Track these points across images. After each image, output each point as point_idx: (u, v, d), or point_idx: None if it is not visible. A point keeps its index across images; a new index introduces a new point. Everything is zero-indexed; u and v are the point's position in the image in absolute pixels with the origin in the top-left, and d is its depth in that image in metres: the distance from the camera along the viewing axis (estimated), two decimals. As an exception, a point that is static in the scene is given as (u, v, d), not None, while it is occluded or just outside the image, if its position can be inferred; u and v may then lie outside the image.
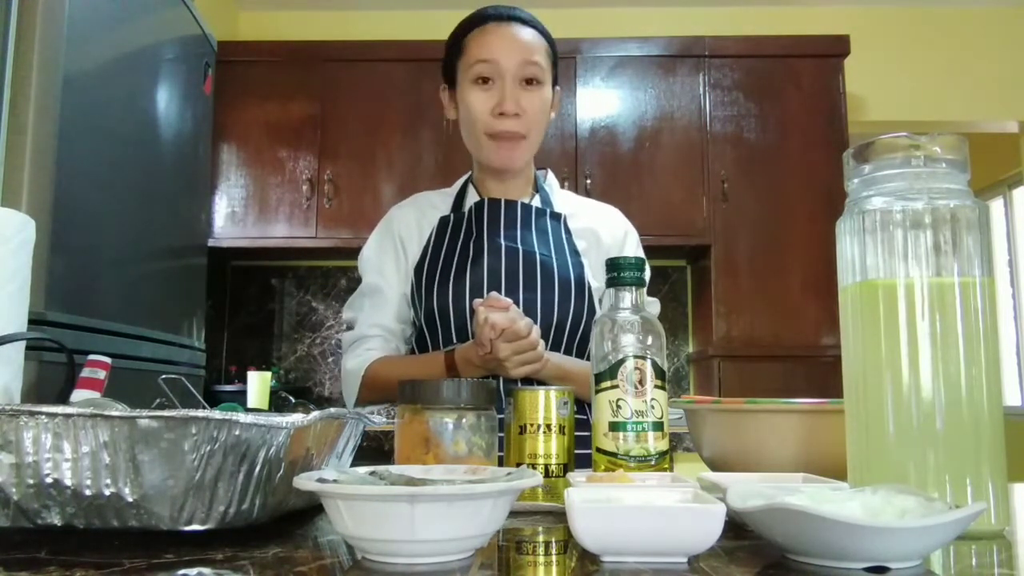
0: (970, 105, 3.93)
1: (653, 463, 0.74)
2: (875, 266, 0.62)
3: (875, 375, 0.61)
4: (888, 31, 3.94)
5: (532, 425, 0.78)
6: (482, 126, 1.29)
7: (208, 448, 0.55)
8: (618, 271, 0.79)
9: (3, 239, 0.80)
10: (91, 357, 0.81)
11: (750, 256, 3.33)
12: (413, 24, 3.85)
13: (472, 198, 1.39)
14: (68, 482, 0.54)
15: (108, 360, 0.81)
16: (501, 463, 0.80)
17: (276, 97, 3.47)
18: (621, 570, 0.50)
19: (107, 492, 0.54)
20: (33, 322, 1.31)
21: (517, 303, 1.17)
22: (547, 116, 1.34)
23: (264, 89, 3.47)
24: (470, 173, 1.42)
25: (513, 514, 0.69)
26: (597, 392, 0.76)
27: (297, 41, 3.61)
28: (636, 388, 0.74)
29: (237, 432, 0.56)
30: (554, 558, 0.57)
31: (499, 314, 1.12)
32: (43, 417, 0.54)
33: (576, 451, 0.82)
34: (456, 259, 1.31)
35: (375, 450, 2.09)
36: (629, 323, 0.76)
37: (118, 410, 0.55)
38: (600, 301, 1.34)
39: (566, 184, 3.26)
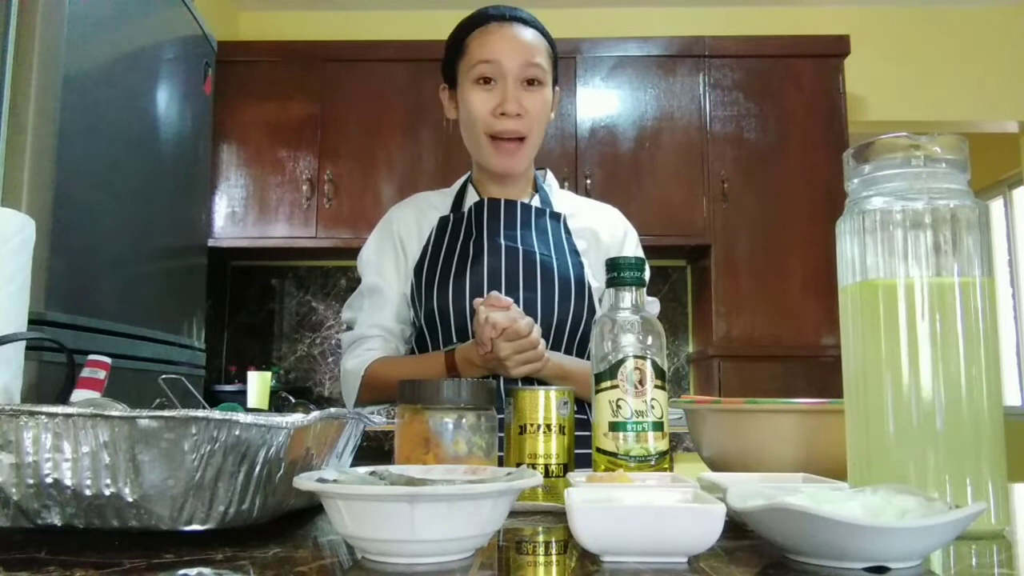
0: (970, 105, 3.93)
1: (653, 463, 0.74)
2: (875, 266, 0.62)
3: (875, 375, 0.61)
4: (888, 31, 3.94)
5: (532, 425, 0.78)
6: (483, 126, 1.29)
7: (208, 448, 0.55)
8: (618, 271, 0.79)
9: (3, 239, 0.80)
10: (91, 357, 0.81)
11: (750, 256, 3.33)
12: (413, 24, 3.85)
13: (472, 198, 1.39)
14: (68, 482, 0.54)
15: (108, 360, 0.81)
16: (501, 463, 0.80)
17: (276, 97, 3.47)
18: (621, 570, 0.50)
19: (107, 492, 0.54)
20: (33, 322, 1.31)
21: (517, 303, 1.17)
22: (548, 117, 1.34)
23: (264, 89, 3.47)
24: (469, 173, 1.42)
25: (513, 514, 0.69)
26: (597, 392, 0.76)
27: (297, 41, 3.61)
28: (636, 388, 0.74)
29: (237, 432, 0.56)
30: (554, 558, 0.57)
31: (500, 313, 1.12)
32: (43, 417, 0.54)
33: (576, 451, 0.82)
34: (456, 259, 1.31)
35: (375, 450, 2.09)
36: (629, 323, 0.76)
37: (118, 410, 0.55)
38: (600, 301, 1.34)
39: (566, 184, 3.27)
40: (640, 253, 1.40)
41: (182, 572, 0.49)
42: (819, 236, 3.25)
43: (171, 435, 0.54)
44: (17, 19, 1.54)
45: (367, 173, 3.42)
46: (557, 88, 1.37)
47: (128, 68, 1.89)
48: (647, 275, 0.86)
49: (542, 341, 1.16)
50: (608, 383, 0.75)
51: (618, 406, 0.74)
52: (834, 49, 3.42)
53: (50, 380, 1.43)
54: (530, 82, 1.29)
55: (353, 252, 1.56)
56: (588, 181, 3.35)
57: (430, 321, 1.29)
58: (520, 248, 1.30)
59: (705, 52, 3.44)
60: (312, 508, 0.70)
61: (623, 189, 3.33)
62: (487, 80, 1.28)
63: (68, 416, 0.54)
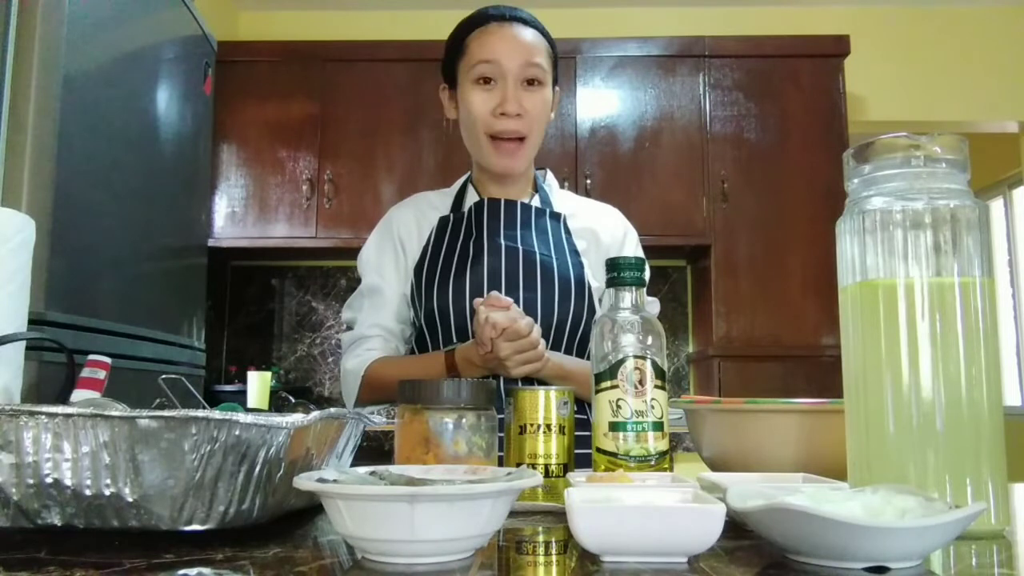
0: (970, 105, 3.93)
1: (653, 463, 0.74)
2: (875, 266, 0.62)
3: (875, 375, 0.61)
4: (888, 31, 3.94)
5: (532, 425, 0.78)
6: (483, 126, 1.29)
7: (208, 448, 0.55)
8: (618, 271, 0.79)
9: (3, 239, 0.80)
10: (91, 357, 0.81)
11: (750, 256, 3.33)
12: (413, 24, 3.85)
13: (472, 198, 1.39)
14: (68, 482, 0.54)
15: (108, 360, 0.81)
16: (501, 463, 0.80)
17: (276, 97, 3.47)
18: (621, 570, 0.50)
19: (107, 492, 0.54)
20: (33, 322, 1.31)
21: (517, 303, 1.17)
22: (548, 117, 1.34)
23: (264, 89, 3.47)
24: (469, 173, 1.42)
25: (513, 514, 0.69)
26: (597, 392, 0.76)
27: (297, 41, 3.61)
28: (636, 388, 0.74)
29: (237, 432, 0.56)
30: (554, 558, 0.57)
31: (500, 313, 1.12)
32: (43, 417, 0.54)
33: (576, 451, 0.82)
34: (456, 259, 1.31)
35: (375, 450, 2.09)
36: (629, 323, 0.76)
37: (118, 410, 0.55)
38: (600, 301, 1.34)
39: (566, 184, 3.27)
40: (640, 253, 1.40)
41: (182, 572, 0.49)
42: (819, 236, 3.25)
43: (171, 435, 0.54)
44: (17, 19, 1.54)
45: (367, 173, 3.42)
46: (557, 88, 1.37)
47: (128, 68, 1.89)
48: (647, 275, 0.86)
49: (542, 341, 1.16)
50: (608, 383, 0.75)
51: (618, 406, 0.74)
52: (834, 49, 3.42)
53: (50, 380, 1.43)
54: (530, 82, 1.29)
55: (353, 252, 1.56)
56: (588, 181, 3.35)
57: (430, 321, 1.29)
58: (520, 248, 1.30)
59: (705, 52, 3.44)
60: (312, 508, 0.70)
61: (623, 189, 3.33)
62: (487, 80, 1.28)
63: (68, 416, 0.54)
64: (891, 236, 0.61)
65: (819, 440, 0.77)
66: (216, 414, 0.55)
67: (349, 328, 1.38)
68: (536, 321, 1.18)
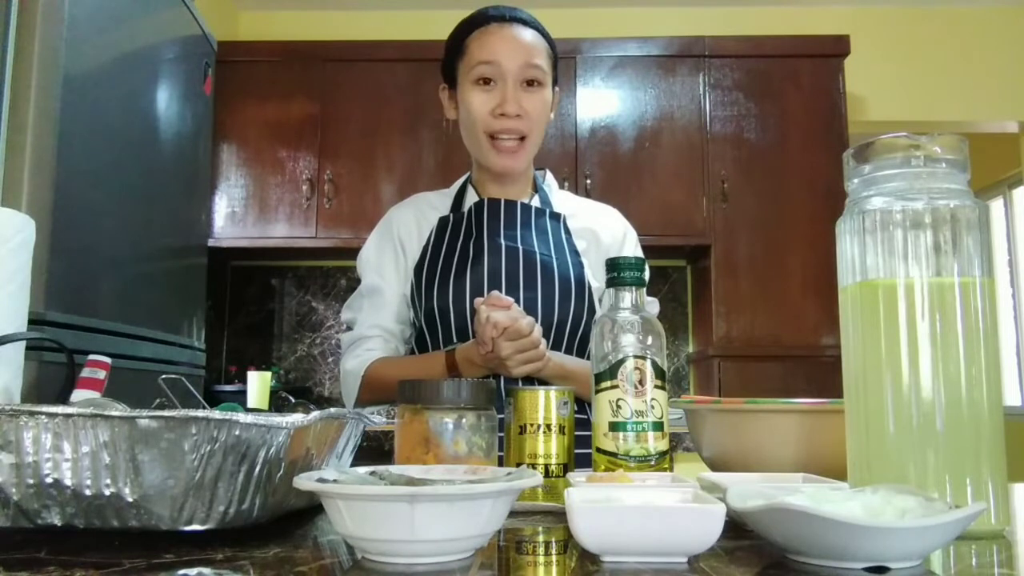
0: (970, 105, 3.93)
1: (653, 463, 0.74)
2: (875, 266, 0.62)
3: (875, 375, 0.61)
4: (888, 31, 3.94)
5: (532, 425, 0.78)
6: (482, 125, 1.29)
7: (208, 448, 0.55)
8: (618, 271, 0.79)
9: (3, 239, 0.80)
10: (91, 357, 0.81)
11: (750, 256, 3.33)
12: (413, 24, 3.85)
13: (471, 198, 1.39)
14: (68, 482, 0.54)
15: (108, 360, 0.81)
16: (501, 463, 0.80)
17: (276, 97, 3.47)
18: (621, 570, 0.50)
19: (107, 492, 0.54)
20: (33, 322, 1.31)
21: (517, 303, 1.17)
22: (547, 117, 1.34)
23: (264, 89, 3.47)
24: (469, 174, 1.42)
25: (513, 514, 0.69)
26: (597, 392, 0.76)
27: (297, 41, 3.61)
28: (636, 388, 0.74)
29: (237, 432, 0.56)
30: (554, 558, 0.57)
31: (501, 312, 1.12)
32: (43, 417, 0.54)
33: (576, 451, 0.82)
34: (456, 259, 1.31)
35: (375, 450, 2.09)
36: (629, 323, 0.76)
37: (118, 410, 0.55)
38: (600, 301, 1.34)
39: (566, 184, 3.27)
40: (640, 253, 1.40)
41: (182, 572, 0.49)
42: (819, 236, 3.25)
43: (171, 435, 0.54)
44: (17, 19, 1.54)
45: (367, 173, 3.42)
46: (557, 88, 1.37)
47: (128, 68, 1.89)
48: (647, 275, 0.86)
49: (543, 341, 1.16)
50: (608, 383, 0.75)
51: (618, 406, 0.74)
52: (834, 49, 3.42)
53: (50, 380, 1.43)
54: (530, 83, 1.29)
55: (353, 252, 1.56)
56: (588, 181, 3.35)
57: (430, 321, 1.29)
58: (520, 248, 1.30)
59: (705, 52, 3.44)
60: (312, 508, 0.70)
61: (623, 189, 3.33)
62: (487, 81, 1.29)
63: (68, 416, 0.54)
64: (891, 236, 0.61)
65: (819, 440, 0.77)
66: (216, 414, 0.55)
67: (349, 328, 1.38)
68: (536, 321, 1.18)
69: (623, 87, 3.44)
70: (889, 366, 0.60)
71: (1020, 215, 4.73)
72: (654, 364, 0.75)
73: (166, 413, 0.54)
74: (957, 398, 0.58)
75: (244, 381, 2.70)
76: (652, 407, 0.74)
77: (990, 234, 0.62)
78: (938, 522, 0.47)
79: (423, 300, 1.30)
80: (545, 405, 0.78)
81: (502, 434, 0.78)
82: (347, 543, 0.56)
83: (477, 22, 1.32)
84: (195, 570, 0.49)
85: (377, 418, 0.85)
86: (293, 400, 0.95)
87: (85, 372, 0.80)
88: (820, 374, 3.13)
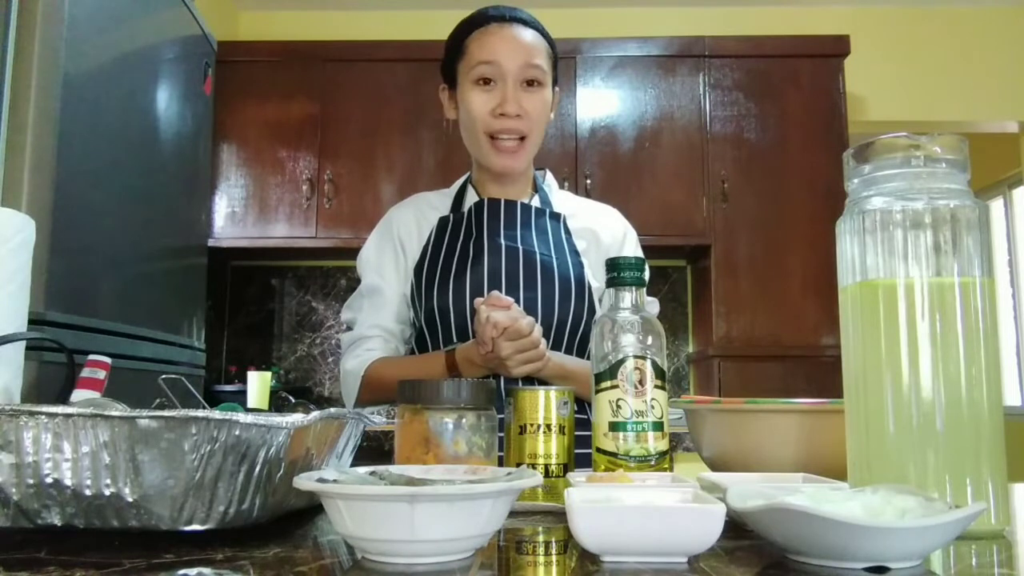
0: (970, 105, 3.93)
1: (653, 463, 0.74)
2: (875, 266, 0.62)
3: (875, 375, 0.61)
4: (888, 31, 3.94)
5: (532, 425, 0.78)
6: (482, 125, 1.29)
7: (208, 448, 0.55)
8: (618, 271, 0.79)
9: (3, 239, 0.80)
10: (91, 357, 0.81)
11: (750, 256, 3.33)
12: (413, 24, 3.85)
13: (471, 198, 1.39)
14: (68, 482, 0.54)
15: (108, 360, 0.81)
16: (501, 463, 0.80)
17: (276, 97, 3.47)
18: (621, 570, 0.50)
19: (107, 492, 0.54)
20: (33, 322, 1.31)
21: (517, 303, 1.17)
22: (547, 117, 1.34)
23: (264, 89, 3.47)
24: (469, 174, 1.42)
25: (513, 514, 0.69)
26: (597, 392, 0.76)
27: (297, 41, 3.61)
28: (636, 388, 0.74)
29: (237, 432, 0.56)
30: (554, 558, 0.57)
31: (501, 312, 1.12)
32: (43, 417, 0.54)
33: (576, 451, 0.82)
34: (456, 259, 1.31)
35: (375, 450, 2.09)
36: (629, 323, 0.76)
37: (118, 410, 0.55)
38: (600, 301, 1.34)
39: (566, 184, 3.27)
40: (640, 253, 1.40)
41: (182, 572, 0.49)
42: (819, 236, 3.25)
43: (171, 435, 0.54)
44: (17, 19, 1.54)
45: (367, 173, 3.42)
46: (557, 88, 1.37)
47: (128, 68, 1.89)
48: (647, 275, 0.86)
49: (543, 340, 1.16)
50: (608, 383, 0.75)
51: (618, 406, 0.74)
52: (834, 49, 3.42)
53: (50, 380, 1.43)
54: (530, 83, 1.29)
55: (353, 252, 1.56)
56: (588, 181, 3.35)
57: (430, 321, 1.29)
58: (520, 248, 1.30)
59: (705, 52, 3.44)
60: (312, 508, 0.70)
61: (623, 189, 3.33)
62: (487, 81, 1.29)
63: (68, 416, 0.54)
64: (891, 236, 0.61)
65: (819, 440, 0.77)
66: (216, 414, 0.55)
67: (349, 328, 1.38)
68: (536, 321, 1.18)
69: (623, 87, 3.44)
70: (889, 366, 0.60)
71: (1020, 215, 4.73)
72: (654, 364, 0.75)
73: (166, 413, 0.54)
74: (957, 398, 0.58)
75: (244, 381, 2.70)
76: (652, 407, 0.74)
77: (990, 234, 0.62)
78: (938, 522, 0.47)
79: (423, 300, 1.30)
80: (545, 405, 0.78)
81: (502, 434, 0.78)
82: (347, 543, 0.56)
83: (477, 22, 1.32)
84: (195, 570, 0.49)
85: (377, 418, 0.85)
86: (293, 400, 0.95)
87: (85, 372, 0.80)
88: (820, 374, 3.13)
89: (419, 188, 1.59)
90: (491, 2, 1.38)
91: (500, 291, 1.21)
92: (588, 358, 1.17)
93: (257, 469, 0.57)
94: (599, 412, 0.76)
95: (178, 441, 0.54)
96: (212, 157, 3.03)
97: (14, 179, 1.50)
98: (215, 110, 2.50)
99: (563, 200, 1.43)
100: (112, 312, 1.77)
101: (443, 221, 1.37)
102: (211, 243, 3.04)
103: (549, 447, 0.78)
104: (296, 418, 0.59)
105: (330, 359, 3.75)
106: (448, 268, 1.30)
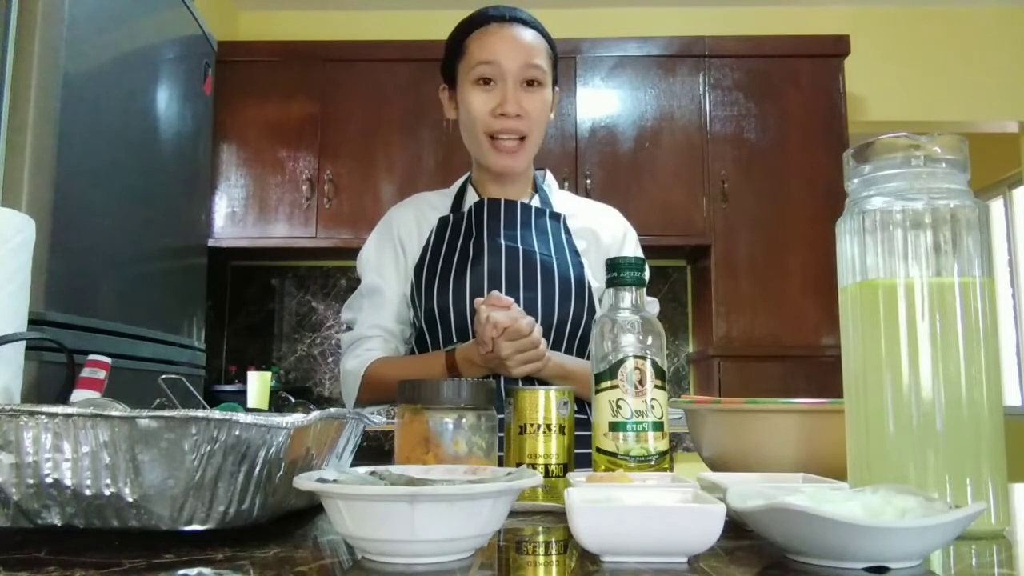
0: (970, 105, 3.93)
1: (653, 463, 0.74)
2: (875, 266, 0.62)
3: (875, 375, 0.61)
4: (888, 31, 3.94)
5: (532, 425, 0.78)
6: (482, 125, 1.29)
7: (208, 448, 0.55)
8: (618, 271, 0.79)
9: (3, 239, 0.80)
10: (91, 357, 0.81)
11: (750, 256, 3.33)
12: (413, 24, 3.85)
13: (471, 198, 1.39)
14: (68, 482, 0.54)
15: (108, 360, 0.81)
16: (501, 463, 0.80)
17: (276, 97, 3.47)
18: (621, 570, 0.50)
19: (107, 492, 0.54)
20: (33, 322, 1.31)
21: (517, 303, 1.17)
22: (547, 117, 1.34)
23: (264, 89, 3.47)
24: (469, 174, 1.42)
25: (513, 514, 0.69)
26: (597, 392, 0.76)
27: (297, 41, 3.61)
28: (636, 388, 0.74)
29: (237, 432, 0.56)
30: (554, 558, 0.57)
31: (501, 312, 1.12)
32: (43, 417, 0.54)
33: (576, 451, 0.82)
34: (456, 259, 1.31)
35: (375, 450, 2.09)
36: (629, 323, 0.76)
37: (118, 410, 0.55)
38: (600, 301, 1.34)
39: (566, 184, 3.27)
40: (640, 253, 1.40)
41: (182, 572, 0.49)
42: (819, 236, 3.25)
43: (171, 435, 0.54)
44: (17, 19, 1.54)
45: (367, 173, 3.42)
46: (557, 88, 1.37)
47: (128, 68, 1.89)
48: (647, 275, 0.86)
49: (543, 340, 1.16)
50: (608, 383, 0.75)
51: (618, 406, 0.74)
52: (834, 49, 3.42)
53: (50, 380, 1.43)
54: (530, 83, 1.29)
55: (353, 252, 1.56)
56: (588, 181, 3.35)
57: (430, 321, 1.29)
58: (520, 248, 1.30)
59: (705, 52, 3.44)
60: (312, 508, 0.70)
61: (623, 189, 3.33)
62: (487, 81, 1.29)
63: (68, 416, 0.54)
64: (891, 236, 0.61)
65: (819, 440, 0.77)
66: (216, 414, 0.55)
67: (349, 328, 1.38)
68: (536, 321, 1.18)
69: (623, 87, 3.44)
70: (889, 366, 0.60)
71: (1020, 215, 4.73)
72: (654, 364, 0.75)
73: (166, 413, 0.54)
74: (957, 398, 0.58)
75: (244, 381, 2.70)
76: (652, 407, 0.74)
77: (990, 234, 0.62)
78: (938, 522, 0.47)
79: (423, 300, 1.30)
80: (545, 405, 0.78)
81: (502, 434, 0.78)
82: (347, 543, 0.56)
83: (477, 22, 1.32)
84: (195, 570, 0.49)
85: (377, 418, 0.85)
86: (293, 400, 0.95)
87: (85, 372, 0.80)
88: (820, 374, 3.13)
89: (419, 188, 1.59)
90: (491, 2, 1.38)
91: (500, 291, 1.21)
92: (588, 358, 1.17)
93: (257, 469, 0.57)
94: (599, 412, 0.76)
95: (178, 441, 0.54)
96: (212, 157, 3.03)
97: (14, 179, 1.50)
98: (215, 110, 2.50)
99: (563, 200, 1.43)
100: (112, 312, 1.77)
101: (443, 221, 1.37)
102: (211, 243, 3.04)
103: (549, 447, 0.78)
104: (296, 418, 0.59)
105: (330, 359, 3.75)
106: (448, 268, 1.30)
